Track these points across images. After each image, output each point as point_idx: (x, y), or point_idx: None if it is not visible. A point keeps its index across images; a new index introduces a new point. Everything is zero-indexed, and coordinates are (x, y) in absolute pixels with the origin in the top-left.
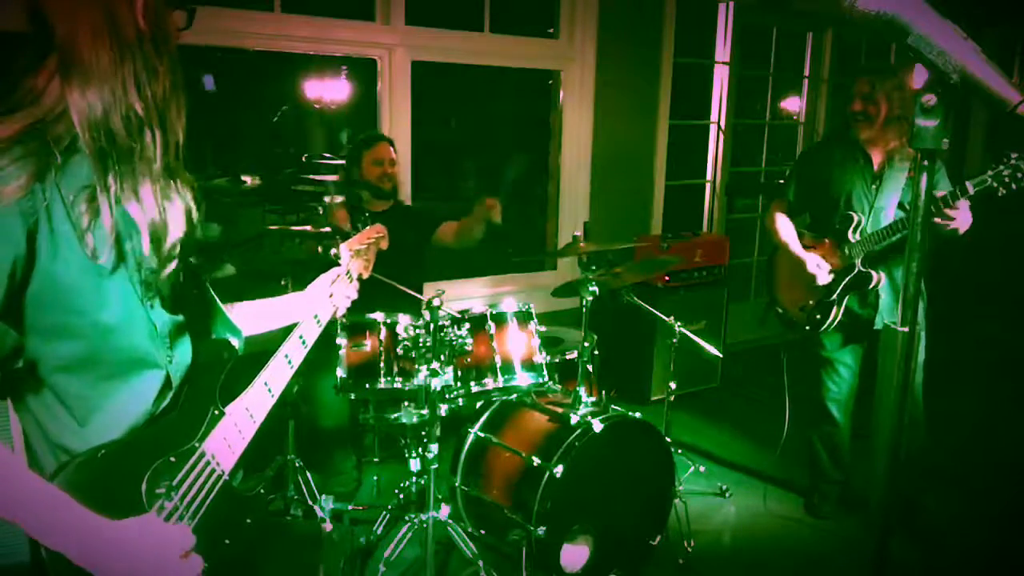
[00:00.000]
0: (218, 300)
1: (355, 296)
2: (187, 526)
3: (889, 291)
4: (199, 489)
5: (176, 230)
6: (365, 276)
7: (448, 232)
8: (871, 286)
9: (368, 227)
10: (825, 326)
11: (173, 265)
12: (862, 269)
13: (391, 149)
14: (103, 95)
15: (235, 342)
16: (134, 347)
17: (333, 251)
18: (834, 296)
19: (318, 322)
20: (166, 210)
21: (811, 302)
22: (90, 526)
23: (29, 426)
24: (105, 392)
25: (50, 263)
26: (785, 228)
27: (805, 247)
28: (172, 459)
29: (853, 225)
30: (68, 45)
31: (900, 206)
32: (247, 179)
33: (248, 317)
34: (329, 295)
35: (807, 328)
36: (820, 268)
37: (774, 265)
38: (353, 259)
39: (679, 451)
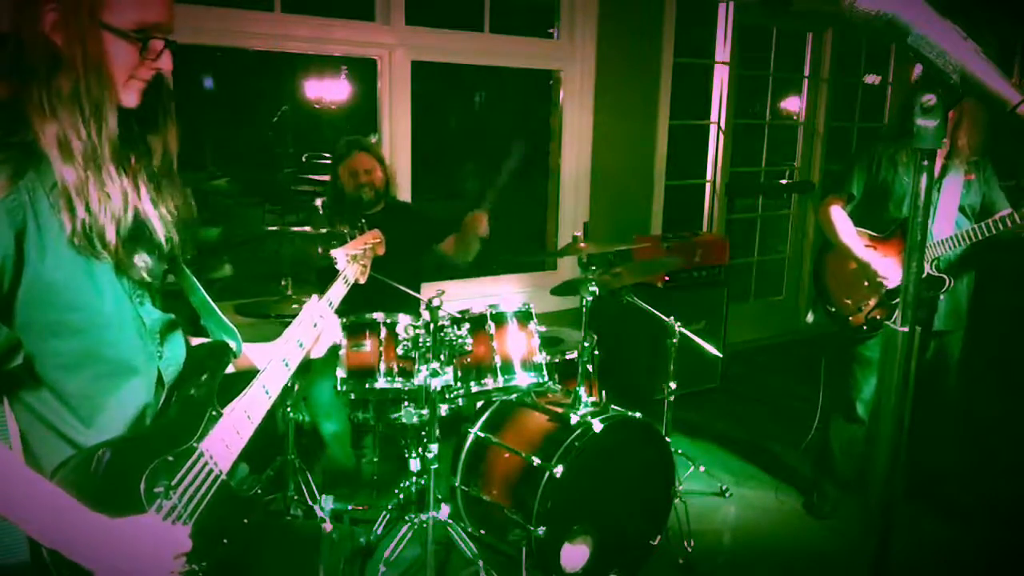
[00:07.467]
0: (212, 302)
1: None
2: (186, 529)
3: (948, 296)
4: (197, 488)
5: (158, 229)
6: (362, 281)
7: (448, 245)
8: (942, 291)
9: (365, 233)
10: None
11: (162, 263)
12: (933, 273)
13: (368, 157)
14: (32, 107)
15: (232, 344)
16: (125, 343)
17: (333, 252)
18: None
19: (314, 324)
20: (135, 210)
21: (870, 303)
22: (90, 525)
23: (29, 425)
24: (105, 390)
25: (40, 261)
26: (844, 226)
27: (864, 245)
28: (170, 458)
29: None
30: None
31: (961, 210)
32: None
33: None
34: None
35: (863, 328)
36: (891, 272)
37: (826, 262)
38: (350, 264)
39: (679, 451)
